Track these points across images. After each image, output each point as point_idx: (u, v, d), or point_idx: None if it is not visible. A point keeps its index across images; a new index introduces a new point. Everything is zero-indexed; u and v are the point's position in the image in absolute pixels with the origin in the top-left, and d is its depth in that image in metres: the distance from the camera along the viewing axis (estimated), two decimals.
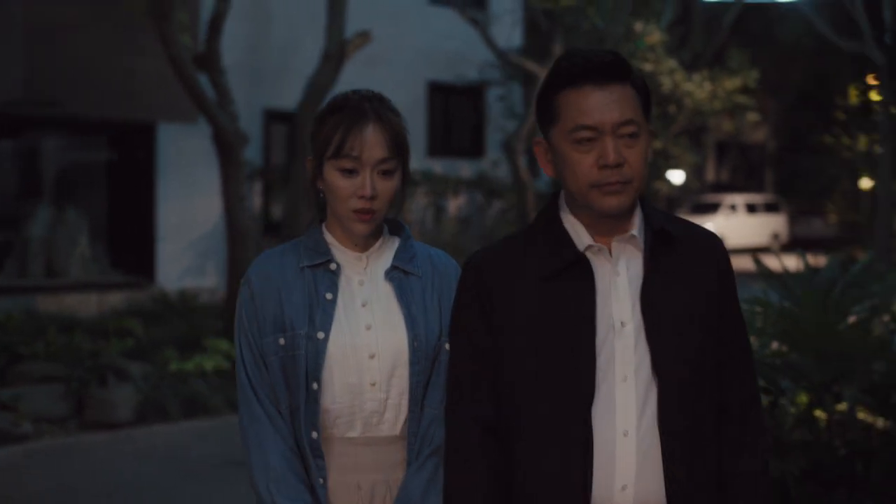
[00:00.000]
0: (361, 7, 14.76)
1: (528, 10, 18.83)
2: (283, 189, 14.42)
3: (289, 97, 15.06)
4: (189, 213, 15.42)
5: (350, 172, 2.50)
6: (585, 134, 2.35)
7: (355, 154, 2.48)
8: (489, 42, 17.60)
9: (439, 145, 19.27)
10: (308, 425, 2.50)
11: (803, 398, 5.72)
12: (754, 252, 7.00)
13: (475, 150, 19.83)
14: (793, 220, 36.74)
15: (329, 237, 2.61)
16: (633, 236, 2.42)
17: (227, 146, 11.47)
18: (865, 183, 32.50)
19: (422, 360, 2.52)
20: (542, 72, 17.37)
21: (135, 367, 9.75)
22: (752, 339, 6.08)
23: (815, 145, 33.38)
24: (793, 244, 34.65)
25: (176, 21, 11.00)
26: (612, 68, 2.35)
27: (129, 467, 7.95)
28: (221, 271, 14.67)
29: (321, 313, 2.51)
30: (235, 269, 11.45)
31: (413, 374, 2.52)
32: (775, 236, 35.27)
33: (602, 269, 2.41)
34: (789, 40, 30.81)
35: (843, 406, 5.61)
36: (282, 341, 2.51)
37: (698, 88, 18.23)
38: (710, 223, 33.74)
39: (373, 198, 2.49)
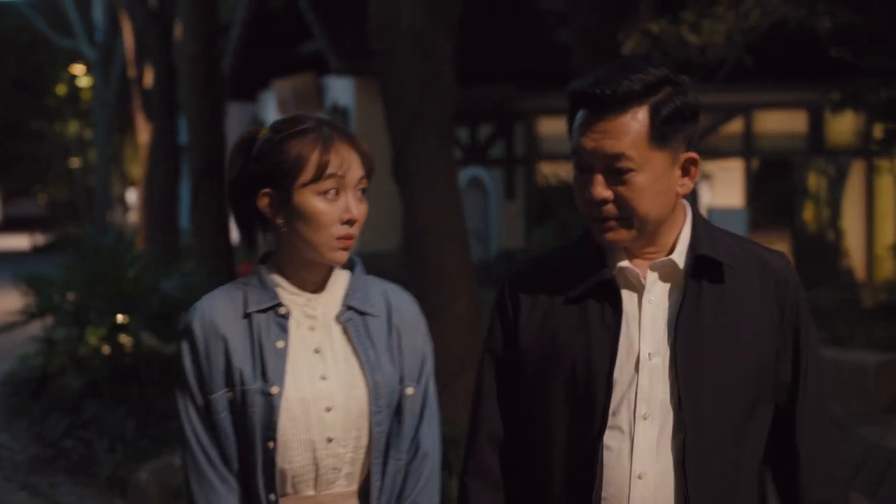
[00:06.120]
0: None
1: None
2: None
3: None
4: None
5: (335, 195, 2.29)
6: (579, 163, 2.17)
7: (340, 173, 2.28)
8: None
9: None
10: (266, 488, 2.30)
11: (104, 330, 8.38)
12: None
13: None
14: (6, 202, 38.09)
15: (277, 278, 2.38)
16: (672, 261, 2.20)
17: None
18: (75, 163, 35.08)
19: (383, 409, 2.33)
20: None
21: None
22: (71, 297, 8.62)
23: (29, 130, 35.30)
24: (7, 224, 36.12)
25: None
26: (610, 97, 2.10)
27: None
28: None
29: (273, 365, 2.30)
30: None
31: (374, 426, 2.32)
32: None
33: (632, 294, 2.21)
34: (6, 33, 32.60)
35: (129, 335, 8.31)
36: (230, 396, 2.31)
37: None
38: None
39: (355, 222, 2.32)
